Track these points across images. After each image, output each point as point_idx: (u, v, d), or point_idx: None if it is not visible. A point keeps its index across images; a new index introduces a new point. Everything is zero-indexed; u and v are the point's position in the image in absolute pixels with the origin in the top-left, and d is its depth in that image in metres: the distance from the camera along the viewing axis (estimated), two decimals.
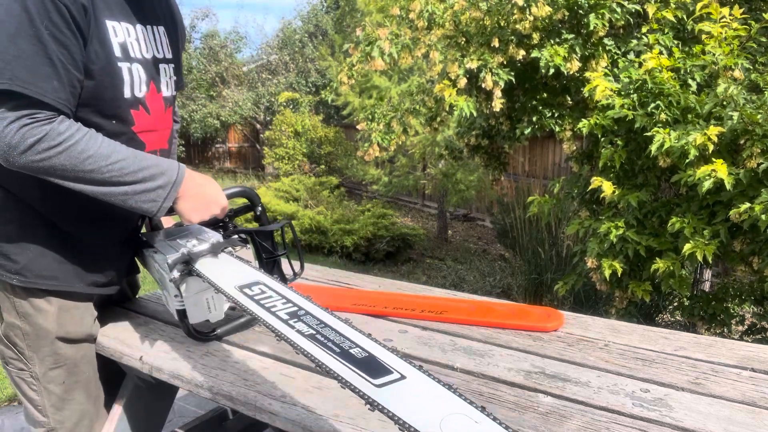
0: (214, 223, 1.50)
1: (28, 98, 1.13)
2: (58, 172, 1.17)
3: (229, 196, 1.46)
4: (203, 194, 1.33)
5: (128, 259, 1.53)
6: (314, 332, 0.98)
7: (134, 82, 1.32)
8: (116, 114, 1.31)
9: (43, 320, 1.36)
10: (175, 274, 1.30)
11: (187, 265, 1.31)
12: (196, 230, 1.43)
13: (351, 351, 0.93)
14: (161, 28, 1.43)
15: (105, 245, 1.42)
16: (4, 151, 1.14)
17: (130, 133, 1.35)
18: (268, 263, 1.53)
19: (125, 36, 1.29)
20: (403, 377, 0.88)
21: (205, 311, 1.40)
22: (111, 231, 1.42)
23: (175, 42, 1.49)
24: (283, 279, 1.54)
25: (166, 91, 1.45)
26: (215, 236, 1.40)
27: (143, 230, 1.58)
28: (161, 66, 1.42)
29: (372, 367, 0.89)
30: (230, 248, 1.37)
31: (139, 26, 1.34)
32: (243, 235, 1.49)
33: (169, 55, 1.45)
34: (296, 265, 1.61)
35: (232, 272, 1.26)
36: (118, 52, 1.27)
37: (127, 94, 1.31)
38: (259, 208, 1.53)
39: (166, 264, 1.32)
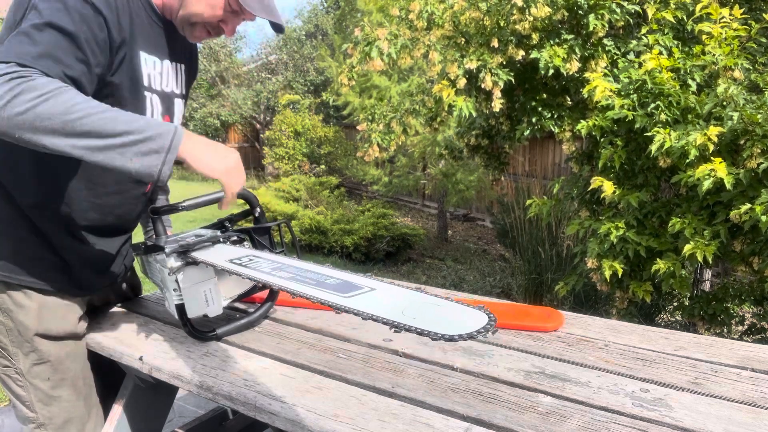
0: (214, 227, 1.53)
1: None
2: (44, 122, 1.05)
3: None
4: (216, 147, 1.21)
5: (110, 266, 1.52)
6: (294, 275, 1.10)
7: (154, 112, 1.38)
8: None
9: (23, 316, 1.37)
10: (173, 263, 1.35)
11: (185, 255, 1.36)
12: (195, 231, 1.49)
13: (327, 281, 1.05)
14: (183, 66, 1.49)
15: (84, 251, 1.42)
16: None
17: None
18: None
19: (152, 68, 1.35)
20: (372, 290, 0.99)
21: (203, 304, 1.43)
22: (91, 238, 1.43)
23: (189, 80, 1.56)
24: None
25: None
26: (213, 232, 1.45)
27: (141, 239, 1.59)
28: (176, 100, 1.48)
29: (344, 288, 1.01)
30: (227, 241, 1.43)
31: (166, 61, 1.40)
32: (242, 235, 1.51)
33: (183, 92, 1.52)
34: None
35: (226, 253, 1.33)
36: (146, 81, 1.33)
37: None
38: (258, 210, 1.55)
39: (164, 256, 1.35)
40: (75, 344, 1.46)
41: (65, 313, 1.43)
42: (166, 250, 1.35)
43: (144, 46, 1.31)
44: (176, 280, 1.37)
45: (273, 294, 1.60)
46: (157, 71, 1.37)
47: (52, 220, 1.35)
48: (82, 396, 1.47)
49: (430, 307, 0.89)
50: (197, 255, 1.35)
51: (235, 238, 1.46)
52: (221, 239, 1.42)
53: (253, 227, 1.55)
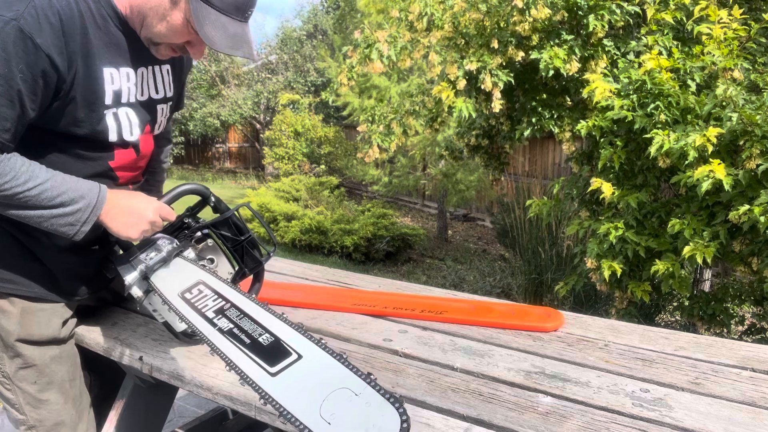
0: (177, 227, 1.44)
1: None
2: None
3: (171, 200, 1.41)
4: (132, 210, 1.29)
5: (95, 275, 1.47)
6: (232, 326, 1.08)
7: (122, 126, 1.32)
8: (93, 154, 1.31)
9: (5, 321, 1.35)
10: (137, 292, 1.30)
11: (146, 280, 1.30)
12: (155, 240, 1.38)
13: (260, 338, 1.04)
14: (166, 66, 1.42)
15: (67, 260, 1.39)
16: None
17: (105, 168, 1.35)
18: (237, 251, 1.48)
19: (124, 82, 1.29)
20: (299, 357, 0.99)
21: None
22: (69, 243, 1.36)
23: (179, 75, 1.49)
24: (257, 263, 1.49)
25: (157, 130, 1.45)
26: (170, 243, 1.36)
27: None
28: (159, 106, 1.42)
29: (274, 352, 1.01)
30: (187, 251, 1.36)
31: (140, 69, 1.33)
32: (205, 231, 1.44)
33: (170, 93, 1.45)
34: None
35: (178, 279, 1.26)
36: (108, 100, 1.27)
37: (112, 138, 1.31)
38: (212, 199, 1.47)
39: (127, 291, 1.31)
40: (60, 348, 1.44)
41: (49, 318, 1.41)
42: (127, 283, 1.29)
43: (110, 61, 1.25)
44: (149, 303, 1.34)
45: (258, 276, 1.54)
46: (131, 83, 1.31)
47: (31, 235, 1.33)
48: (71, 399, 1.46)
49: (348, 398, 0.89)
50: (154, 281, 1.29)
51: (198, 235, 1.41)
52: (182, 249, 1.35)
53: (210, 222, 1.45)
